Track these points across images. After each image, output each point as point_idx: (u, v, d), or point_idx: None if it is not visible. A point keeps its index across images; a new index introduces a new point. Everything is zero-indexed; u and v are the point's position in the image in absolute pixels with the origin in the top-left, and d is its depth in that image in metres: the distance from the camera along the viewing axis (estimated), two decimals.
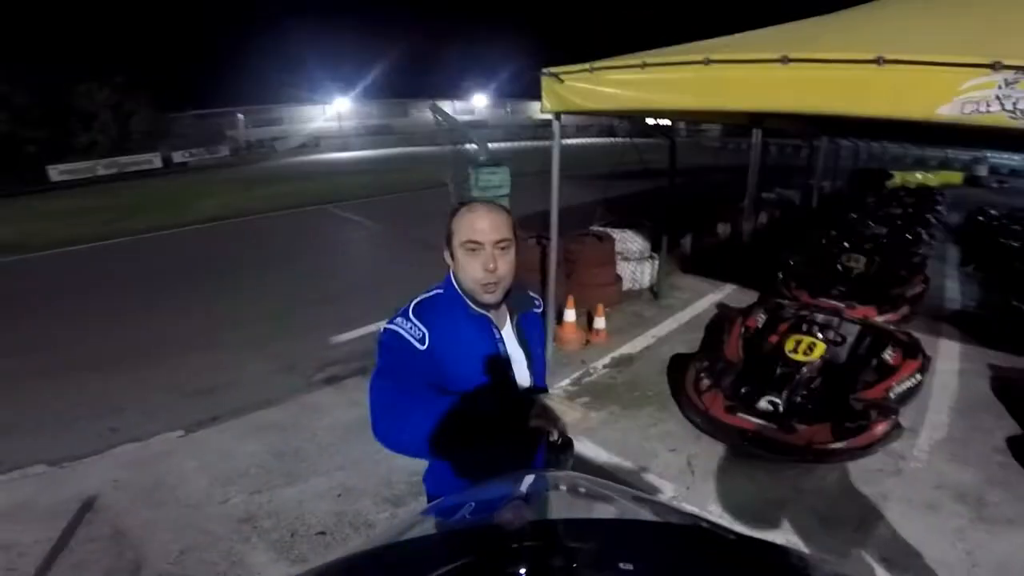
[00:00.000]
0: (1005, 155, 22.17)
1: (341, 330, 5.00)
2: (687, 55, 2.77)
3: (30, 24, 29.54)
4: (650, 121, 6.02)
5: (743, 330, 4.12)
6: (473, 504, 0.72)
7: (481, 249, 1.15)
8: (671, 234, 5.92)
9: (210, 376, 4.24)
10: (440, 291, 1.27)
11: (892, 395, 3.26)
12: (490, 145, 3.81)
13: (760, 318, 4.21)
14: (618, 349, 4.57)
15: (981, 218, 10.26)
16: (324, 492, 2.83)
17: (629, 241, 5.86)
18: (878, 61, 2.12)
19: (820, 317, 3.86)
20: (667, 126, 6.50)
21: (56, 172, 24.40)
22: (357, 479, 2.92)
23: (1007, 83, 1.88)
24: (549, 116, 3.64)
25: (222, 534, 2.54)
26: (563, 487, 0.80)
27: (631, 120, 6.11)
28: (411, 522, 0.67)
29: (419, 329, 1.17)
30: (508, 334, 1.29)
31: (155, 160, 27.77)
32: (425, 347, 1.16)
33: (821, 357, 3.42)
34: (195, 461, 3.15)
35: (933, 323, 5.26)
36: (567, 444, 1.48)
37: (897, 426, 3.10)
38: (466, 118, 36.09)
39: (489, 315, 1.25)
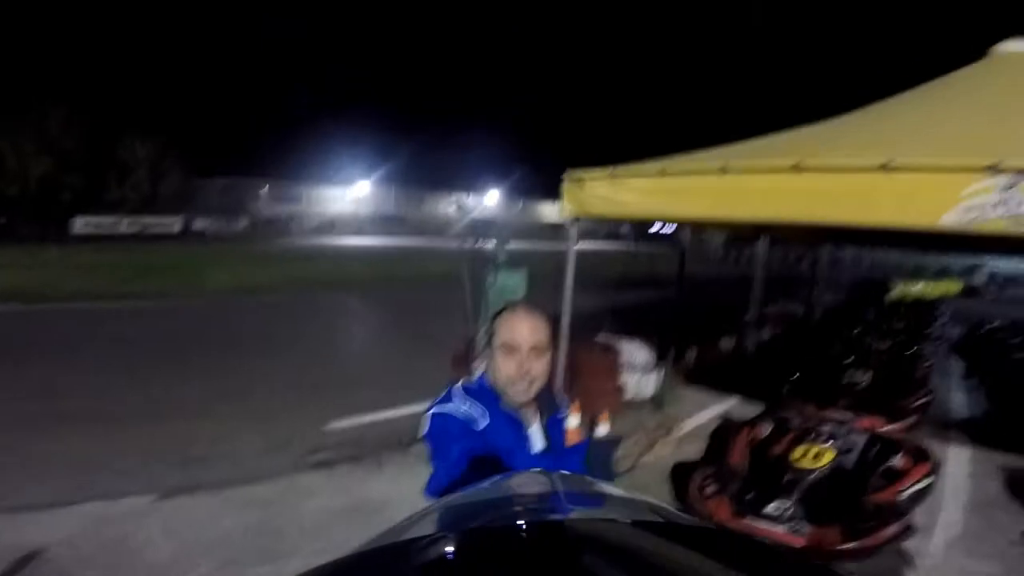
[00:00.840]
0: (1003, 260, 22.40)
1: (338, 416, 4.87)
2: (704, 163, 2.84)
3: (85, 67, 31.59)
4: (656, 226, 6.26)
5: (749, 439, 3.99)
6: (477, 503, 0.72)
7: (518, 351, 1.20)
8: (676, 346, 5.95)
9: (198, 446, 4.10)
10: (474, 385, 1.29)
11: (903, 497, 3.11)
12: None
13: (766, 427, 4.08)
14: None
15: (982, 330, 10.15)
16: None
17: (635, 352, 5.88)
18: (885, 168, 2.09)
19: (827, 427, 3.77)
20: (673, 233, 6.72)
21: (81, 224, 25.00)
22: None
23: (1006, 187, 1.81)
24: (559, 220, 3.70)
25: None
26: (564, 489, 0.79)
27: (637, 225, 6.36)
28: (414, 520, 0.65)
29: (478, 407, 1.21)
30: (535, 432, 1.32)
31: (176, 225, 28.54)
32: (484, 426, 1.19)
33: (829, 463, 3.30)
34: (164, 527, 2.98)
35: (941, 431, 5.18)
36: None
37: (909, 527, 2.94)
38: (477, 215, 37.49)
39: (519, 412, 1.28)
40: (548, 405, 1.37)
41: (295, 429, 4.53)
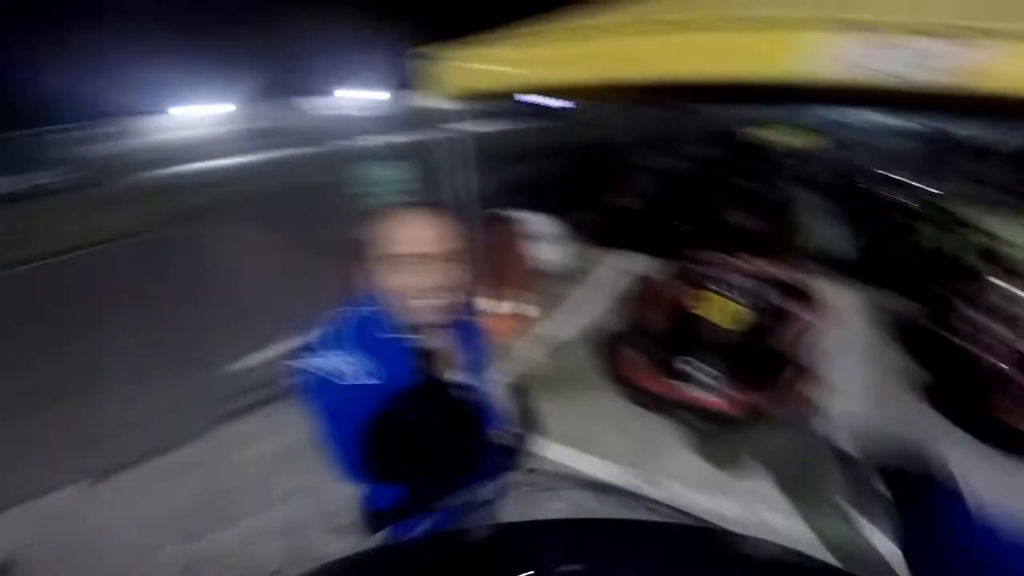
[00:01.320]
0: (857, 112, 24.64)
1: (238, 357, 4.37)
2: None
3: None
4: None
5: (664, 298, 4.10)
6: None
7: (424, 263, 0.96)
8: (576, 211, 5.88)
9: (104, 420, 3.61)
10: (365, 311, 1.04)
11: (804, 345, 3.33)
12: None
13: (676, 283, 4.21)
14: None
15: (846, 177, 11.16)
16: (267, 529, 2.53)
17: (539, 222, 5.77)
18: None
19: (732, 277, 3.91)
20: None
21: None
22: (299, 511, 2.61)
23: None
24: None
25: None
26: (539, 486, 0.76)
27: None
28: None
29: (366, 354, 0.97)
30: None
31: None
32: (367, 379, 0.96)
33: (740, 319, 3.39)
34: (114, 512, 2.83)
35: (821, 272, 5.71)
36: (518, 439, 1.42)
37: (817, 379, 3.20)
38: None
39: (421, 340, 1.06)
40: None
41: (198, 380, 4.09)
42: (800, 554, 0.50)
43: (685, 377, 3.14)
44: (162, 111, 32.35)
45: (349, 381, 0.95)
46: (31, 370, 4.52)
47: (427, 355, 1.02)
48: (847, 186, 10.74)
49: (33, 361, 4.69)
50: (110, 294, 6.65)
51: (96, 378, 4.23)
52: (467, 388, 1.13)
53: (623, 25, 2.61)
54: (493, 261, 4.96)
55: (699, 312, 3.43)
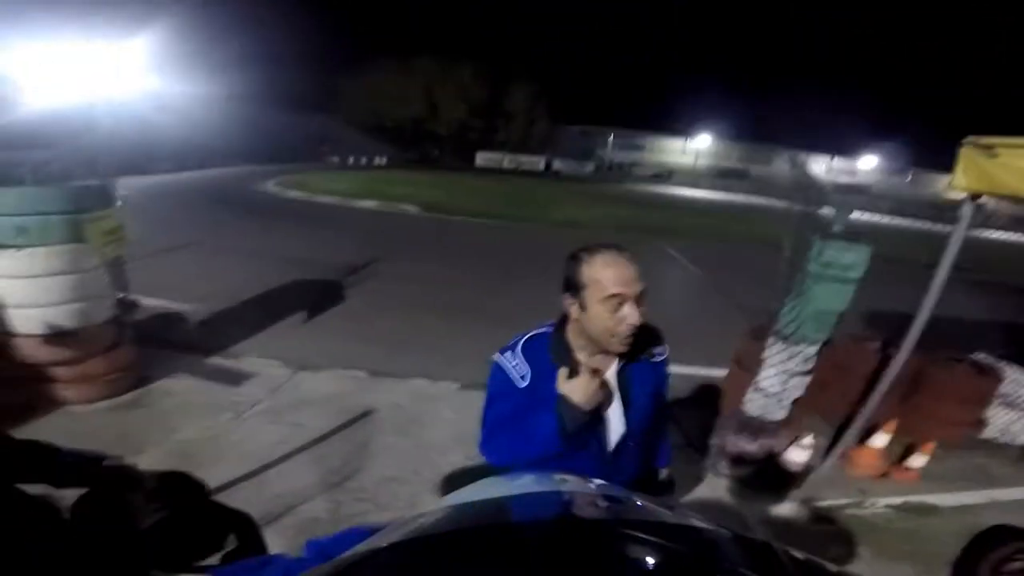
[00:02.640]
0: None
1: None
2: None
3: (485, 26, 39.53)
4: None
5: None
6: (501, 501, 0.71)
7: (625, 301, 1.10)
8: None
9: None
10: (549, 331, 1.27)
11: None
12: (853, 215, 3.13)
13: None
14: (922, 495, 3.47)
15: None
16: None
17: (1022, 383, 4.28)
18: None
19: None
20: None
21: (480, 159, 33.45)
22: None
23: None
24: (960, 195, 2.76)
25: None
26: (586, 491, 0.75)
27: None
28: (437, 514, 0.64)
29: (524, 366, 1.22)
30: (609, 377, 1.23)
31: (540, 163, 34.65)
32: (524, 385, 1.21)
33: None
34: (453, 410, 3.67)
35: None
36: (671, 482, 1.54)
37: None
38: (843, 180, 31.20)
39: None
40: (638, 347, 1.22)
41: None
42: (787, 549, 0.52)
43: None
44: (679, 133, 38.83)
45: (511, 383, 1.21)
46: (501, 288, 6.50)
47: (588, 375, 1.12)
48: None
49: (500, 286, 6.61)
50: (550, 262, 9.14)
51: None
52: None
53: None
54: (927, 401, 4.13)
55: None
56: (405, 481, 2.95)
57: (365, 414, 3.52)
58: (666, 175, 36.24)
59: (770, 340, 3.27)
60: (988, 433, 4.34)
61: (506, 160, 34.35)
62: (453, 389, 4.02)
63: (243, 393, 3.66)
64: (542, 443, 1.12)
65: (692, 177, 35.53)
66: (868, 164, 35.87)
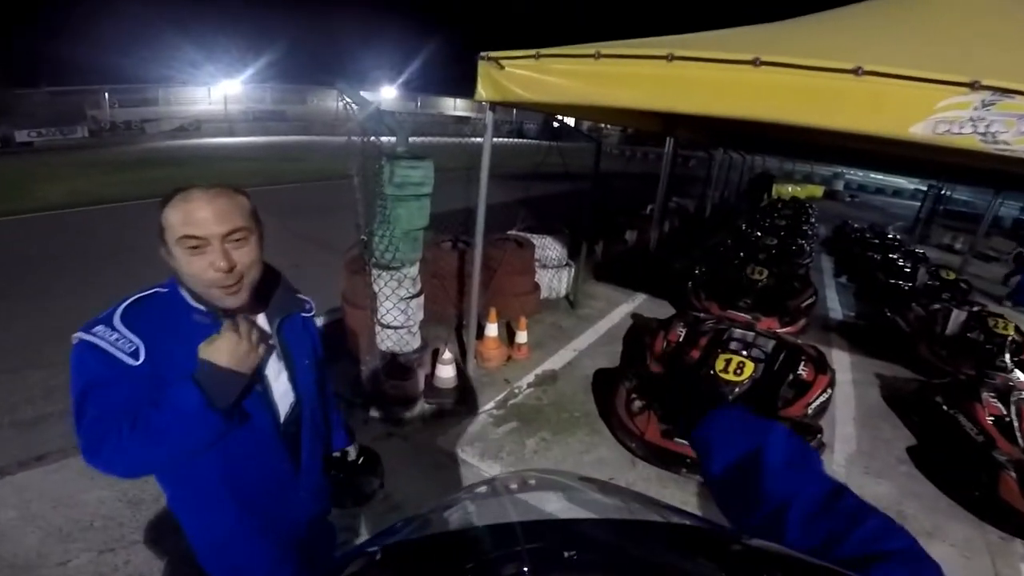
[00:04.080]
0: (861, 172, 25.91)
1: None
2: (649, 49, 2.49)
3: None
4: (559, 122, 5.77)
5: (664, 344, 4.06)
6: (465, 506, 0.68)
7: (207, 245, 0.91)
8: (586, 241, 5.80)
9: (36, 402, 3.33)
10: (162, 290, 1.01)
11: (810, 411, 3.29)
12: (410, 138, 3.30)
13: (680, 332, 4.15)
14: (541, 365, 4.29)
15: (847, 232, 11.58)
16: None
17: (548, 248, 5.64)
18: (856, 71, 1.99)
19: (738, 333, 3.87)
20: (594, 129, 6.33)
21: None
22: None
23: (983, 104, 1.81)
24: (464, 113, 3.23)
25: None
26: (552, 485, 0.73)
27: (547, 121, 5.85)
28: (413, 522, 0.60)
29: (129, 341, 0.93)
30: (263, 325, 1.09)
31: None
32: (139, 362, 0.92)
33: (750, 376, 3.38)
34: (16, 511, 2.42)
35: (824, 334, 5.65)
36: (371, 460, 1.43)
37: (822, 445, 3.14)
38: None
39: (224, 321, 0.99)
40: (283, 304, 1.13)
41: None
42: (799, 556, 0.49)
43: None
44: (199, 83, 33.61)
45: (119, 363, 0.91)
46: None
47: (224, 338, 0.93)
48: (847, 239, 10.91)
49: None
50: (77, 260, 6.49)
51: (41, 350, 3.92)
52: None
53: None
54: (499, 280, 4.89)
55: (716, 368, 3.37)
56: None
57: None
58: (194, 127, 31.39)
59: (374, 274, 3.12)
60: (543, 294, 5.59)
61: None
62: None
63: None
64: (185, 428, 0.90)
65: (226, 125, 32.08)
66: (388, 94, 40.13)
